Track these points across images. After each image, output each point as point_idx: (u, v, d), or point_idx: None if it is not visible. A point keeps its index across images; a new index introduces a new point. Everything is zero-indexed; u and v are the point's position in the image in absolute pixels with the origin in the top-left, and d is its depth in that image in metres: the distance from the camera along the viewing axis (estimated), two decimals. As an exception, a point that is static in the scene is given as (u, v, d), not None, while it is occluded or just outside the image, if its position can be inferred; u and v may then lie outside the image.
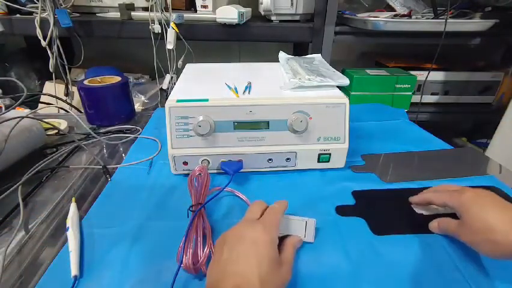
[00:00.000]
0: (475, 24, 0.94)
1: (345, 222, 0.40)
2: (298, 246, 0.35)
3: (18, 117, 0.50)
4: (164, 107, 0.46)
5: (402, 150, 0.58)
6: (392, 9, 1.08)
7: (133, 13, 0.97)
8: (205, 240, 0.35)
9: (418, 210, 0.42)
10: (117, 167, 0.52)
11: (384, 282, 0.33)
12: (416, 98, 1.05)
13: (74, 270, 0.33)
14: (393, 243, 0.37)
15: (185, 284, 0.32)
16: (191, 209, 0.39)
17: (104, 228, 0.39)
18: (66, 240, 0.37)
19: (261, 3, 0.94)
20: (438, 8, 0.98)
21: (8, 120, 0.49)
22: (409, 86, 1.03)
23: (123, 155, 0.57)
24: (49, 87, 1.06)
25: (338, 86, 0.51)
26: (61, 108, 0.76)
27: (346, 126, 0.48)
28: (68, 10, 0.92)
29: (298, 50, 1.26)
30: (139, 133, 0.64)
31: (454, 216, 0.36)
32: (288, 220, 0.37)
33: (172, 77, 1.00)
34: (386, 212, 0.43)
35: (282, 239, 0.35)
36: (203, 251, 0.34)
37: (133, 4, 1.00)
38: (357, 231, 0.39)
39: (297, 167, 0.51)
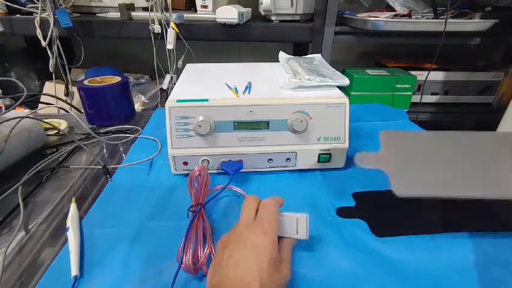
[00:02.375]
0: (475, 24, 0.94)
1: (345, 224, 0.40)
2: (294, 243, 0.35)
3: (19, 118, 0.50)
4: (164, 107, 0.46)
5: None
6: (392, 9, 1.08)
7: (133, 13, 0.97)
8: (205, 241, 0.35)
9: None
10: (117, 167, 0.52)
11: (385, 284, 0.33)
12: (416, 98, 1.05)
13: (74, 271, 0.33)
14: (394, 245, 0.37)
15: (185, 284, 0.32)
16: (191, 209, 0.39)
17: (104, 228, 0.39)
18: (66, 240, 0.37)
19: (261, 3, 0.94)
20: (438, 8, 0.98)
21: (8, 120, 0.49)
22: (409, 86, 1.03)
23: (123, 155, 0.57)
24: (49, 87, 1.07)
25: (338, 86, 0.51)
26: (61, 108, 0.76)
27: (346, 126, 0.48)
28: (68, 10, 0.92)
29: (298, 50, 1.26)
30: (139, 133, 0.64)
31: None
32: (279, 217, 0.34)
33: (172, 77, 1.01)
34: (387, 213, 0.43)
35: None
36: (203, 251, 0.34)
37: (133, 4, 1.00)
38: (358, 233, 0.39)
39: (297, 167, 0.51)
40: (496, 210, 0.44)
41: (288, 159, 0.50)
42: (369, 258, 0.35)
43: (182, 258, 0.32)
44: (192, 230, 0.35)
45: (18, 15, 0.96)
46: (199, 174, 0.43)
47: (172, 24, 0.90)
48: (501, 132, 0.38)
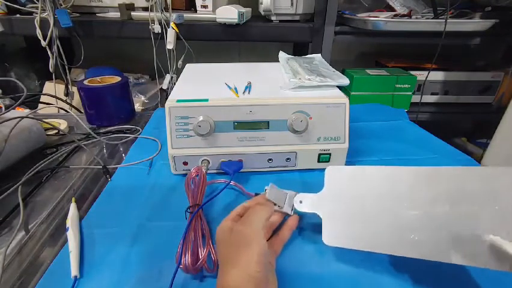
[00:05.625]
0: (475, 24, 0.94)
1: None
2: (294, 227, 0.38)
3: (18, 118, 0.50)
4: (164, 107, 0.46)
5: (402, 150, 0.58)
6: (392, 9, 1.08)
7: (133, 13, 0.97)
8: (205, 241, 0.35)
9: None
10: (117, 167, 0.52)
11: (385, 284, 0.33)
12: (416, 98, 1.05)
13: (74, 271, 0.33)
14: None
15: (186, 284, 0.32)
16: (188, 210, 0.39)
17: (104, 228, 0.39)
18: (66, 240, 0.37)
19: (261, 3, 0.94)
20: (438, 8, 0.98)
21: (8, 120, 0.49)
22: (409, 86, 1.03)
23: (123, 155, 0.57)
24: (49, 87, 1.06)
25: (338, 86, 0.51)
26: (61, 108, 0.76)
27: (346, 126, 0.48)
28: (68, 10, 0.92)
29: (298, 50, 1.26)
30: (139, 133, 0.64)
31: None
32: (273, 190, 0.38)
33: (172, 77, 1.00)
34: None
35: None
36: (202, 251, 0.33)
37: (133, 4, 1.00)
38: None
39: (297, 167, 0.51)
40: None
41: (288, 159, 0.50)
42: (369, 258, 0.35)
43: (181, 259, 0.32)
44: (190, 231, 0.35)
45: (18, 15, 0.96)
46: (196, 175, 0.43)
47: (172, 24, 0.90)
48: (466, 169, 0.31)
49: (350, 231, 0.34)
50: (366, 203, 0.34)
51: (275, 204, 0.37)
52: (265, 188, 0.39)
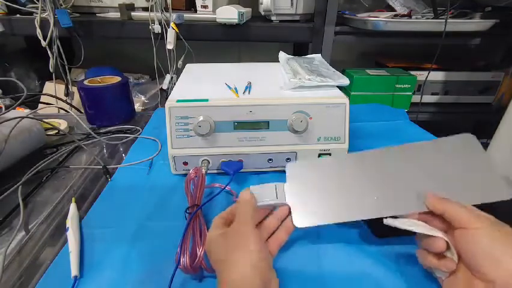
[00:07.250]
0: (475, 24, 0.94)
1: (345, 224, 0.40)
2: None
3: (19, 118, 0.50)
4: (164, 107, 0.46)
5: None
6: (392, 9, 1.08)
7: (133, 13, 0.97)
8: (203, 241, 0.35)
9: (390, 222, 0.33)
10: (117, 167, 0.52)
11: (385, 284, 0.33)
12: (416, 98, 1.05)
13: (74, 271, 0.33)
14: (395, 245, 0.37)
15: (185, 284, 0.32)
16: (187, 211, 0.39)
17: (104, 228, 0.39)
18: (66, 240, 0.37)
19: (261, 3, 0.94)
20: (438, 8, 0.98)
21: (8, 120, 0.49)
22: (409, 86, 1.03)
23: (123, 155, 0.57)
24: (49, 87, 1.06)
25: (338, 86, 0.51)
26: (61, 109, 0.76)
27: (346, 126, 0.48)
28: (68, 10, 0.92)
29: (298, 50, 1.26)
30: (139, 133, 0.64)
31: None
32: (259, 189, 0.37)
33: (172, 77, 1.01)
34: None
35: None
36: (201, 251, 0.33)
37: (133, 4, 1.00)
38: (359, 233, 0.39)
39: (297, 167, 0.51)
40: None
41: (288, 159, 0.50)
42: (369, 258, 0.35)
43: (180, 259, 0.32)
44: (189, 232, 0.35)
45: (18, 15, 0.96)
46: (196, 176, 0.43)
47: (172, 24, 0.90)
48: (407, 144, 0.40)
49: (315, 210, 0.36)
50: (324, 185, 0.38)
51: None
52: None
